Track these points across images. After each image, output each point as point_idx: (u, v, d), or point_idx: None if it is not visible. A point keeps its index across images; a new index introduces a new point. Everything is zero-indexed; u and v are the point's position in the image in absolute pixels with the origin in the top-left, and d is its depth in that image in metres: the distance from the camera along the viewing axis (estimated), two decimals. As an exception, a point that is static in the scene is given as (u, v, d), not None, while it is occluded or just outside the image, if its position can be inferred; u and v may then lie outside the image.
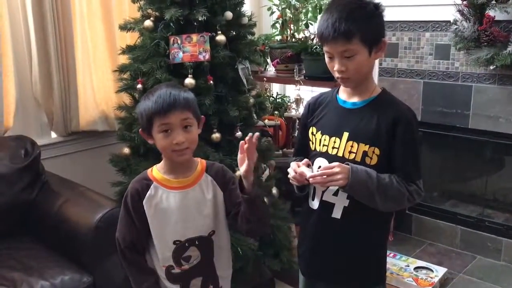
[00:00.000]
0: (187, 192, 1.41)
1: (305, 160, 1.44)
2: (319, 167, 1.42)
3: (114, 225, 2.02)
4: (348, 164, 1.34)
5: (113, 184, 2.48)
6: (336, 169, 1.32)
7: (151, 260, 1.45)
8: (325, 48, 1.38)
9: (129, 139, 2.42)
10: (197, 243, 1.41)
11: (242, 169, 1.36)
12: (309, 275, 1.53)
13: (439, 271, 2.67)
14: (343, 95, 1.47)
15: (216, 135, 2.28)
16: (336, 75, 1.39)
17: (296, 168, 1.40)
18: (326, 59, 1.40)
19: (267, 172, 2.64)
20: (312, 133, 1.50)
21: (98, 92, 2.87)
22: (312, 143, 1.49)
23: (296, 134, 3.48)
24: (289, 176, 1.45)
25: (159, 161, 2.21)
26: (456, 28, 2.65)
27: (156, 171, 1.45)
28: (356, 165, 1.35)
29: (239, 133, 2.34)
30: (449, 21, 2.71)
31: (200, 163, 1.47)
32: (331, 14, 1.33)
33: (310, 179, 1.34)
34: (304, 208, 1.52)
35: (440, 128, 2.99)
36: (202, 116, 1.46)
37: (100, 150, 2.83)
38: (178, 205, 1.40)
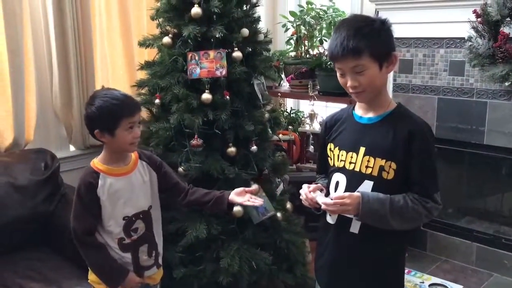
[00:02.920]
0: (130, 176, 1.70)
1: (317, 185, 1.47)
2: (337, 182, 1.44)
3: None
4: (361, 193, 1.36)
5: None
6: (347, 201, 1.34)
7: (101, 237, 1.69)
8: (336, 66, 1.41)
9: (146, 153, 2.46)
10: (141, 216, 1.72)
11: (239, 200, 1.77)
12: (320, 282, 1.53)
13: (455, 288, 2.65)
14: (359, 111, 1.49)
15: (231, 149, 2.31)
16: (350, 90, 1.42)
17: (308, 193, 1.43)
18: (338, 76, 1.44)
19: (281, 187, 2.66)
20: (330, 149, 1.52)
21: (117, 107, 2.92)
22: (331, 159, 1.52)
23: (310, 149, 3.51)
24: (301, 197, 1.48)
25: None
26: (470, 45, 2.66)
27: (99, 163, 1.69)
28: (368, 194, 1.37)
29: (254, 147, 2.37)
30: (463, 38, 2.73)
31: (134, 153, 1.76)
32: (339, 33, 1.37)
33: (322, 205, 1.36)
34: (321, 223, 1.54)
35: (455, 144, 2.99)
36: None
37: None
38: (126, 187, 1.69)
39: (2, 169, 2.23)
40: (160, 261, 1.81)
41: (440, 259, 3.08)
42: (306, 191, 1.44)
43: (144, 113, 2.64)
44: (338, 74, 1.43)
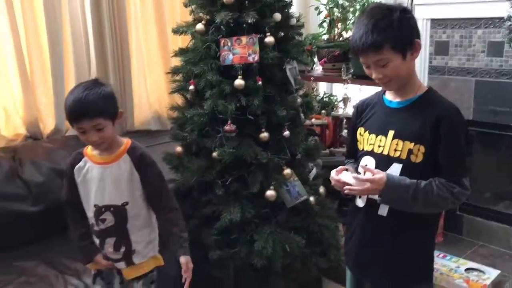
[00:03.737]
0: (106, 168, 1.66)
1: (343, 166, 1.49)
2: (366, 165, 1.45)
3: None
4: (387, 177, 1.37)
5: (167, 181, 2.59)
6: (371, 186, 1.35)
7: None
8: (360, 59, 1.42)
9: (181, 138, 2.51)
10: (112, 209, 1.67)
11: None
12: (356, 272, 1.55)
13: (492, 273, 2.61)
14: (389, 95, 1.49)
15: (264, 135, 2.33)
16: (377, 81, 1.43)
17: (334, 177, 1.45)
18: (364, 68, 1.44)
19: (314, 171, 2.68)
20: (360, 133, 1.53)
21: (152, 93, 3.00)
22: (360, 143, 1.52)
23: (343, 133, 3.49)
24: (331, 179, 1.49)
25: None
26: (510, 25, 2.58)
27: (90, 147, 1.70)
28: (394, 177, 1.37)
29: (287, 133, 2.38)
30: (502, 18, 2.64)
31: (125, 144, 1.71)
32: (358, 28, 1.37)
33: (347, 187, 1.38)
34: (350, 207, 1.55)
35: (493, 127, 2.92)
36: (120, 111, 1.68)
37: (153, 149, 2.93)
38: (98, 177, 1.66)
39: (45, 155, 2.33)
40: (133, 259, 1.73)
41: (477, 244, 3.04)
42: (333, 175, 1.45)
43: (178, 100, 2.70)
44: (363, 66, 1.44)
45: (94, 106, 1.55)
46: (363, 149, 1.51)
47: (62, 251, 2.07)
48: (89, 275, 1.86)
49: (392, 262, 1.45)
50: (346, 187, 1.37)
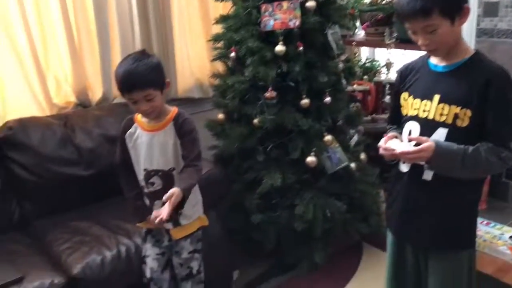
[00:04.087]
0: (154, 135, 1.74)
1: (392, 134, 1.48)
2: (410, 131, 1.44)
3: (212, 184, 2.21)
4: (436, 143, 1.35)
5: (209, 148, 2.67)
6: (423, 153, 1.34)
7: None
8: (406, 25, 1.38)
9: (223, 106, 2.56)
10: (160, 174, 1.76)
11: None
12: (398, 236, 1.57)
13: (537, 241, 2.56)
14: (434, 59, 1.46)
15: (305, 101, 2.33)
16: (423, 48, 1.40)
17: (383, 145, 1.44)
18: (410, 34, 1.41)
19: (355, 138, 2.67)
20: (404, 98, 1.51)
21: (194, 61, 3.04)
22: (404, 108, 1.51)
23: (385, 99, 3.44)
24: (379, 146, 1.48)
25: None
26: None
27: (140, 115, 1.77)
28: (442, 144, 1.36)
29: (328, 99, 2.38)
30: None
31: (172, 112, 1.77)
32: None
33: (399, 154, 1.37)
34: (393, 172, 1.56)
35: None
36: (167, 80, 1.74)
37: (196, 116, 2.98)
38: (147, 143, 1.75)
39: (94, 122, 2.43)
40: (180, 221, 1.80)
41: (522, 211, 2.98)
42: (382, 142, 1.45)
43: (220, 67, 2.73)
44: (409, 32, 1.40)
45: (144, 78, 1.61)
46: (407, 114, 1.49)
47: (114, 212, 2.17)
48: (139, 235, 1.96)
49: (435, 227, 1.46)
50: (401, 151, 1.36)
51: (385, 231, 1.68)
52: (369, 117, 3.23)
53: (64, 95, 2.58)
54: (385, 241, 1.68)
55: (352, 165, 2.48)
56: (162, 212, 1.55)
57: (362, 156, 2.64)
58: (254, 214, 2.43)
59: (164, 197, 1.58)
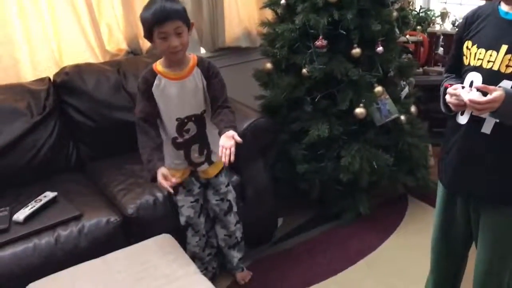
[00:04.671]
0: (184, 82, 1.78)
1: (453, 83, 1.42)
2: (471, 82, 1.39)
3: (259, 133, 2.23)
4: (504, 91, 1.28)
5: (257, 98, 2.67)
6: (495, 104, 1.27)
7: (162, 134, 1.84)
8: None
9: (271, 55, 2.54)
10: (193, 119, 1.81)
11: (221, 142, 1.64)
12: (451, 188, 1.53)
13: None
14: (506, 6, 1.38)
15: (356, 50, 2.28)
16: None
17: (451, 91, 1.37)
18: None
19: (406, 90, 2.61)
20: (467, 47, 1.44)
21: (242, 9, 3.00)
22: (466, 58, 1.44)
23: (439, 51, 3.31)
24: (446, 99, 1.42)
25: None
26: None
27: (159, 66, 1.79)
28: (510, 92, 1.29)
29: (380, 48, 2.31)
30: None
31: (192, 59, 1.80)
32: None
33: (469, 102, 1.31)
34: (450, 124, 1.51)
35: None
36: (192, 21, 1.76)
37: (243, 66, 3.01)
38: (177, 92, 1.77)
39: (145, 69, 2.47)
40: (213, 158, 1.89)
41: None
42: (450, 89, 1.38)
43: (269, 15, 2.69)
44: None
45: (175, 10, 1.66)
46: (469, 64, 1.43)
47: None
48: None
49: (491, 180, 1.42)
50: (471, 99, 1.30)
51: (434, 186, 1.65)
52: (420, 70, 3.13)
53: (116, 43, 2.63)
54: (431, 195, 1.67)
55: (402, 117, 2.43)
56: (230, 146, 1.61)
57: (412, 109, 2.58)
58: (300, 164, 2.45)
59: (227, 135, 1.63)
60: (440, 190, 1.60)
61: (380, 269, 2.17)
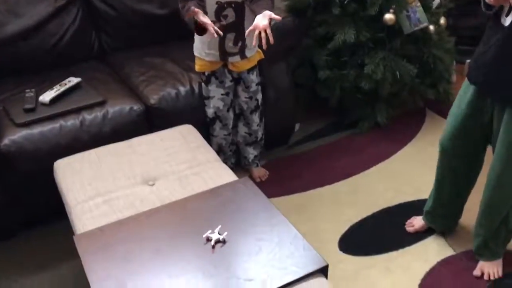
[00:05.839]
0: None
1: None
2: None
3: (283, 34, 2.17)
4: None
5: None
6: None
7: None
8: None
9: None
10: (233, 5, 1.77)
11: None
12: (482, 89, 1.49)
13: None
14: None
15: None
16: None
17: None
18: None
19: (437, 0, 2.50)
20: None
21: None
22: None
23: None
24: None
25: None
26: None
27: None
28: None
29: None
30: None
31: None
32: None
33: None
34: (490, 24, 1.45)
35: None
36: None
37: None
38: None
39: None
40: (246, 53, 1.89)
41: None
42: None
43: None
44: None
45: None
46: None
47: (186, 53, 2.18)
48: (202, 78, 2.01)
49: None
50: None
51: (452, 99, 1.61)
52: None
53: None
54: (449, 110, 1.65)
55: (431, 27, 2.36)
56: (265, 27, 1.60)
57: (442, 20, 2.50)
58: (322, 70, 2.43)
59: (264, 14, 1.61)
60: (464, 89, 1.57)
61: (392, 176, 2.22)
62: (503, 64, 1.41)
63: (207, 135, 2.04)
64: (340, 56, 2.41)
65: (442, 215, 1.84)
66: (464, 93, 1.57)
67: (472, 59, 1.52)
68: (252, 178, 2.20)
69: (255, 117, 2.07)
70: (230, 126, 2.06)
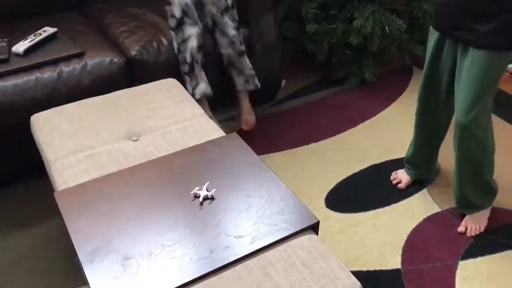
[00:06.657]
0: None
1: None
2: None
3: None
4: None
5: None
6: None
7: None
8: None
9: None
10: None
11: None
12: (442, 33, 1.51)
13: None
14: None
15: None
16: None
17: None
18: None
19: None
20: None
21: None
22: None
23: None
24: None
25: None
26: None
27: None
28: None
29: None
30: None
31: None
32: None
33: None
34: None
35: None
36: None
37: None
38: None
39: None
40: None
41: None
42: None
43: None
44: None
45: None
46: None
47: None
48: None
49: (492, 29, 1.36)
50: None
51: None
52: None
53: None
54: None
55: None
56: None
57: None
58: (309, 24, 2.35)
59: None
60: (431, 38, 1.58)
61: (378, 133, 2.20)
62: (463, 10, 1.40)
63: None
64: (329, 10, 2.33)
65: (415, 163, 1.87)
66: (431, 42, 1.58)
67: (439, 5, 1.51)
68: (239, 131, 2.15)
69: (245, 60, 2.00)
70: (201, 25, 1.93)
